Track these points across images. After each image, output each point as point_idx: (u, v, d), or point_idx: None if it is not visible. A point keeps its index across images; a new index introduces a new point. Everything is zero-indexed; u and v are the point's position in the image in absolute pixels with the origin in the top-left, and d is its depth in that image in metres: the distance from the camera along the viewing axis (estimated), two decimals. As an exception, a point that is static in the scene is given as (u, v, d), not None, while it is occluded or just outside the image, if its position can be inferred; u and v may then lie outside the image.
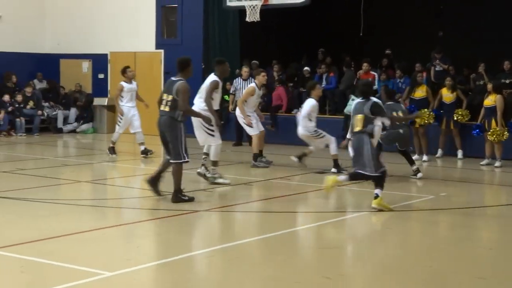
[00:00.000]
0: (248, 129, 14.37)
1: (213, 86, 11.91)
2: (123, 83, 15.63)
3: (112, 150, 15.61)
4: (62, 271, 6.94)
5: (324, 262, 7.48)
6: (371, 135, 10.07)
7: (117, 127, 15.87)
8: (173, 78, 10.50)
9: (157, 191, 10.57)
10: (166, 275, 7.04)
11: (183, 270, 7.13)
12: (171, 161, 10.33)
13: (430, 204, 10.88)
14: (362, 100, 10.27)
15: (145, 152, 15.51)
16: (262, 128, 14.30)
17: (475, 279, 6.93)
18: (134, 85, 15.74)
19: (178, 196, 10.28)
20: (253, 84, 14.20)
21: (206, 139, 12.08)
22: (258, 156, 14.24)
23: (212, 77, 12.04)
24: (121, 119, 15.65)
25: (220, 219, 9.84)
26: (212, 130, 11.90)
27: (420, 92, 16.08)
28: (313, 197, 11.40)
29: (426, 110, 15.56)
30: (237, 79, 17.06)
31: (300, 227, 9.29)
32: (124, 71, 15.76)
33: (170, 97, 10.28)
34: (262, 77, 14.14)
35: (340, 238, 8.68)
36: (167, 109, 10.30)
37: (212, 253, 7.71)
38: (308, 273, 7.04)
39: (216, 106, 12.09)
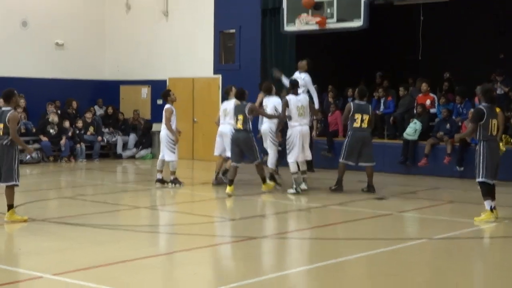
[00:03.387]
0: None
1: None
2: (172, 107, 14.79)
3: (177, 180, 14.90)
4: (120, 298, 6.96)
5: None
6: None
7: (172, 155, 14.64)
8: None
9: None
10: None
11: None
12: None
13: (491, 231, 10.62)
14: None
15: (173, 182, 14.83)
16: None
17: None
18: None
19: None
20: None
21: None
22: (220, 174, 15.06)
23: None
24: (174, 144, 14.72)
25: (276, 246, 9.74)
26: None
27: None
28: (370, 224, 11.23)
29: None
30: None
31: (355, 254, 9.11)
32: (168, 94, 15.00)
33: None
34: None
35: (398, 265, 8.51)
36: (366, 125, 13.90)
37: (268, 281, 7.63)
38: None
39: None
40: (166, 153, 14.74)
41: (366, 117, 13.84)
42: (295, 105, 13.81)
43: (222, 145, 14.95)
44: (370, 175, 14.02)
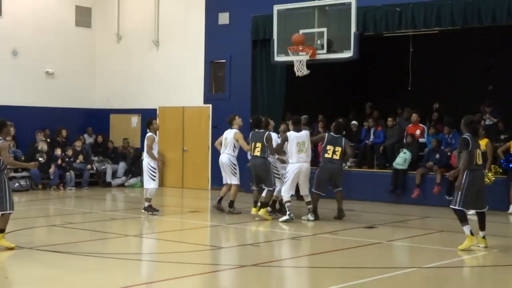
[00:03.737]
0: (233, 178, 14.99)
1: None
2: (153, 134, 15.01)
3: (152, 208, 14.94)
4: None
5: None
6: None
7: (152, 182, 14.83)
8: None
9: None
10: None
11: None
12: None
13: (481, 260, 10.62)
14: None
15: (153, 210, 14.93)
16: None
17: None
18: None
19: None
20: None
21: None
22: (233, 203, 14.93)
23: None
24: (155, 172, 14.87)
25: (265, 275, 9.67)
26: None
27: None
28: (359, 253, 11.20)
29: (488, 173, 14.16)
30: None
31: (343, 283, 9.04)
32: (151, 122, 15.20)
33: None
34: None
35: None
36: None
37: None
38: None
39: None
40: (146, 180, 14.95)
41: (338, 149, 14.15)
42: (295, 141, 13.87)
43: (226, 174, 15.10)
44: (339, 199, 14.37)
